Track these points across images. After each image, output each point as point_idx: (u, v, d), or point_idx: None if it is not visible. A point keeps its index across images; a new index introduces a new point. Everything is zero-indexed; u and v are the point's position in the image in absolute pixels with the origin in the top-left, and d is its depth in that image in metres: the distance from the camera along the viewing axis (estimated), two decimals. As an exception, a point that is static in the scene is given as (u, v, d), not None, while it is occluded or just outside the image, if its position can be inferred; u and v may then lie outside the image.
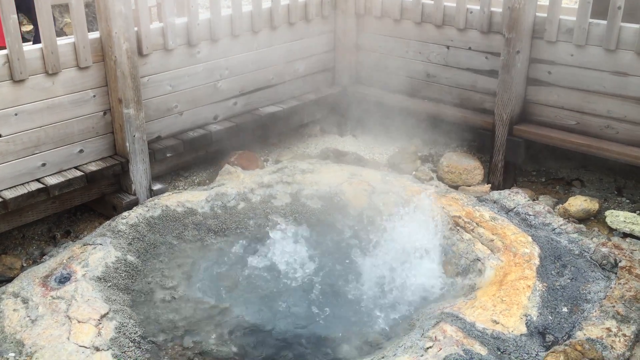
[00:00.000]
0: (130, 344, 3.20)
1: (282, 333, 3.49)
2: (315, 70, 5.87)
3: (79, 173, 4.24)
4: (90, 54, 4.18)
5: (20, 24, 6.47)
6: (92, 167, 4.33)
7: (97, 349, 3.10)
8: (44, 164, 4.14)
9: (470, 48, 5.22)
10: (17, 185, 4.02)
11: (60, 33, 7.44)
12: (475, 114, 5.27)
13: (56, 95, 4.11)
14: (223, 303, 3.68)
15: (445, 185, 4.98)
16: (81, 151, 4.32)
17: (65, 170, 4.25)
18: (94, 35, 4.23)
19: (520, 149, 4.98)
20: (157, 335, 3.39)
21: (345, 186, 4.59)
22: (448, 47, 5.36)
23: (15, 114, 3.94)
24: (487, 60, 5.14)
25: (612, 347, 3.10)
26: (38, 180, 4.12)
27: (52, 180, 4.12)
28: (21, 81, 3.91)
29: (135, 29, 4.33)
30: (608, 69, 4.56)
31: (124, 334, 3.24)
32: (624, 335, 3.19)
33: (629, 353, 3.15)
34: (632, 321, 3.28)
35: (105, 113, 4.39)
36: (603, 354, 3.03)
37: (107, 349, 3.11)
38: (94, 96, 4.30)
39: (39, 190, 4.03)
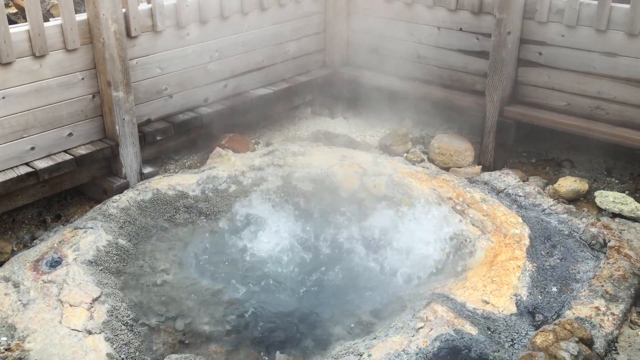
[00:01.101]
0: (123, 327, 3.20)
1: (274, 314, 3.51)
2: (305, 52, 5.83)
3: (68, 157, 4.21)
4: (77, 36, 4.13)
5: (6, 5, 6.37)
6: (82, 151, 4.30)
7: (90, 333, 3.10)
8: (32, 148, 4.11)
9: (461, 29, 5.20)
10: (6, 169, 3.99)
11: (47, 15, 7.34)
12: (466, 96, 5.27)
13: (44, 78, 4.06)
14: (215, 285, 3.69)
15: (437, 167, 4.99)
16: (70, 134, 4.29)
17: (54, 154, 4.22)
18: (82, 16, 4.17)
19: (510, 130, 4.99)
20: (149, 318, 3.40)
21: (336, 168, 4.59)
22: (439, 28, 5.33)
23: (3, 97, 3.90)
24: (478, 41, 5.12)
25: (600, 326, 3.14)
26: (27, 164, 4.08)
27: (41, 164, 4.09)
28: (8, 64, 3.86)
29: (123, 10, 4.28)
30: (598, 50, 4.55)
31: (116, 317, 3.24)
32: (613, 314, 3.23)
33: (617, 332, 3.19)
34: (620, 300, 3.31)
35: (94, 96, 4.35)
36: (592, 332, 3.07)
37: (100, 332, 3.12)
38: (83, 79, 4.26)
39: (28, 174, 4.01)
